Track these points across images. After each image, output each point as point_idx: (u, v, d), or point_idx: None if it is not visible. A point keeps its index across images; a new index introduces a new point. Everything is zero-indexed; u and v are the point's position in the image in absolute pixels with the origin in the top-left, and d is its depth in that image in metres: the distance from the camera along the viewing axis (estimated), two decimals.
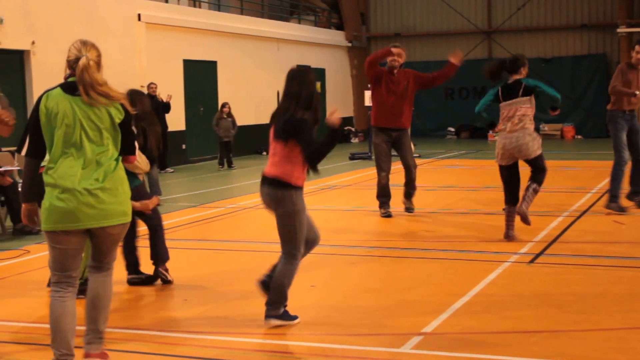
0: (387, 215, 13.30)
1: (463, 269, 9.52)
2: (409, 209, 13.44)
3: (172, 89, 24.00)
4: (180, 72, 25.51)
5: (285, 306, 7.33)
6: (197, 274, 9.46)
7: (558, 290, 8.36)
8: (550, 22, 34.91)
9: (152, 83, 22.51)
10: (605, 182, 16.31)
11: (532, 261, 9.74)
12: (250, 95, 28.15)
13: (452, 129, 35.54)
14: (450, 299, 7.97)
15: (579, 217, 12.89)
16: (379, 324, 7.34)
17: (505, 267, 9.45)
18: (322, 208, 14.55)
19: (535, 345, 6.51)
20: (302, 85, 7.23)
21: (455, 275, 9.21)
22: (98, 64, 5.94)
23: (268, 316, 7.20)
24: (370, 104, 24.56)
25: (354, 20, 36.94)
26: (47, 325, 6.33)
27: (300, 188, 7.12)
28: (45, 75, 20.04)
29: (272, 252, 9.70)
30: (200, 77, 26.38)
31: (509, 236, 10.88)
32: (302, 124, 7.07)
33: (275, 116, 7.25)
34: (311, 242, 7.43)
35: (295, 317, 7.32)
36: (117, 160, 5.93)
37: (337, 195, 16.59)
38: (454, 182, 17.92)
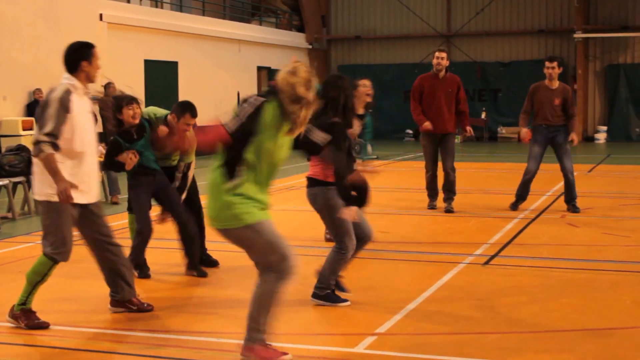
0: (431, 207, 14.04)
1: (418, 270, 9.62)
2: (447, 209, 13.72)
3: (134, 89, 24.06)
4: (141, 72, 25.57)
5: (334, 290, 7.95)
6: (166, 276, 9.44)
7: (512, 291, 8.46)
8: (509, 26, 35.31)
9: (109, 82, 22.53)
10: (561, 185, 16.68)
11: (486, 263, 9.85)
12: (211, 96, 28.17)
13: (410, 132, 35.73)
14: (404, 299, 8.02)
15: (533, 220, 13.08)
16: (333, 324, 7.42)
17: (460, 268, 9.54)
18: (281, 209, 14.47)
19: (488, 347, 6.60)
20: (339, 91, 7.70)
21: (410, 276, 9.29)
22: None
23: (313, 295, 7.97)
24: None
25: (315, 23, 37.13)
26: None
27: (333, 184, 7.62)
28: (7, 75, 20.10)
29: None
30: (161, 77, 26.42)
31: None
32: (334, 126, 7.45)
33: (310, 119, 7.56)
34: (360, 238, 7.91)
35: (343, 300, 7.93)
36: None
37: (293, 196, 16.59)
38: (411, 184, 17.98)
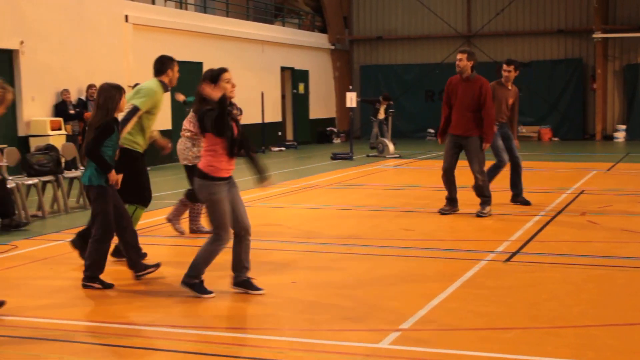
0: (441, 210, 13.82)
1: (441, 267, 9.73)
2: (477, 213, 13.48)
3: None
4: None
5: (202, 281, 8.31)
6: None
7: (532, 288, 8.53)
8: (529, 27, 35.37)
9: (137, 83, 22.83)
10: (580, 183, 16.88)
11: (508, 260, 9.91)
12: (236, 96, 28.30)
13: (432, 131, 35.87)
14: (428, 296, 8.10)
15: (554, 217, 13.14)
16: (358, 320, 7.45)
17: (482, 265, 9.61)
18: (303, 207, 14.87)
19: (509, 342, 6.66)
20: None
21: (433, 273, 9.35)
22: None
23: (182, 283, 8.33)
24: (353, 105, 24.97)
25: (337, 24, 37.28)
26: (32, 319, 6.85)
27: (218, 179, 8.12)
28: (34, 75, 20.38)
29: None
30: (186, 77, 26.60)
31: None
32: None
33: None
34: (237, 233, 8.33)
35: (208, 292, 8.27)
36: None
37: (318, 194, 16.76)
38: (432, 183, 17.96)
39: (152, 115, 10.08)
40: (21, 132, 20.10)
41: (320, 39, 36.42)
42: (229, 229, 8.22)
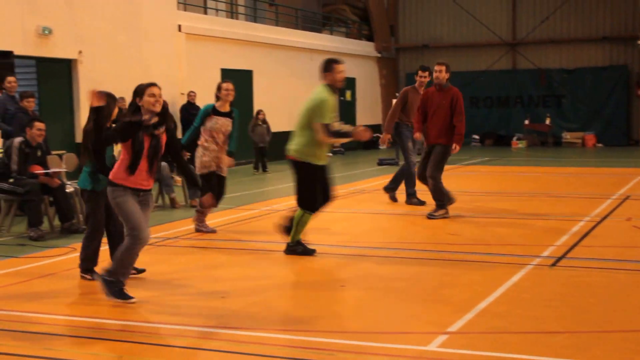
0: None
1: (487, 271, 9.63)
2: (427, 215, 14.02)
3: (211, 97, 24.50)
4: (217, 80, 26.10)
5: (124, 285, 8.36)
6: (239, 272, 9.89)
7: (579, 292, 8.50)
8: (573, 34, 35.46)
9: (191, 91, 23.45)
10: (626, 189, 17.03)
11: (554, 264, 9.91)
12: (284, 103, 28.73)
13: (477, 137, 36.13)
14: (475, 299, 8.11)
15: (600, 222, 13.09)
16: (406, 323, 7.45)
17: (528, 269, 9.62)
18: (351, 211, 14.95)
19: (557, 345, 6.64)
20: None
21: (479, 277, 9.31)
22: None
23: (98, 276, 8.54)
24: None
25: (384, 32, 37.64)
26: (92, 319, 7.16)
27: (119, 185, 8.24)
28: (91, 83, 20.93)
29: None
30: (236, 85, 26.95)
31: None
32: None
33: None
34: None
35: (129, 297, 8.31)
36: None
37: (365, 199, 16.84)
38: (478, 188, 18.36)
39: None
40: (79, 139, 20.64)
41: (367, 47, 36.75)
42: (144, 227, 8.20)
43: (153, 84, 8.42)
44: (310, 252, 10.75)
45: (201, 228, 12.78)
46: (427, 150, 14.07)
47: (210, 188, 12.09)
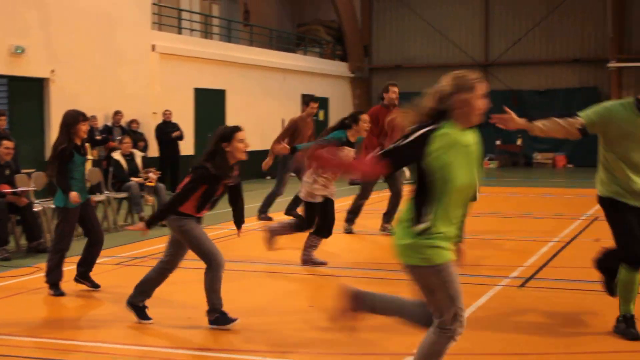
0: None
1: None
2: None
3: (184, 116, 24.84)
4: (191, 99, 26.44)
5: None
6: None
7: (548, 313, 8.53)
8: (545, 56, 35.80)
9: (167, 110, 23.49)
10: (595, 209, 16.87)
11: (522, 285, 9.93)
12: (257, 123, 28.63)
13: None
14: None
15: (568, 243, 13.17)
16: (373, 344, 7.47)
17: (496, 290, 9.63)
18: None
19: None
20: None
21: None
22: None
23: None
24: None
25: (357, 52, 37.81)
26: (57, 341, 7.31)
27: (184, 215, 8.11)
28: (63, 102, 20.96)
29: (268, 272, 10.72)
30: (210, 104, 27.22)
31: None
32: None
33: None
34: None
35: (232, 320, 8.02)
36: None
37: (338, 218, 16.68)
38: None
39: None
40: (48, 157, 20.67)
41: (340, 67, 36.96)
42: (217, 252, 8.04)
43: (239, 128, 8.06)
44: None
45: (314, 260, 11.70)
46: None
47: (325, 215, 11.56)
